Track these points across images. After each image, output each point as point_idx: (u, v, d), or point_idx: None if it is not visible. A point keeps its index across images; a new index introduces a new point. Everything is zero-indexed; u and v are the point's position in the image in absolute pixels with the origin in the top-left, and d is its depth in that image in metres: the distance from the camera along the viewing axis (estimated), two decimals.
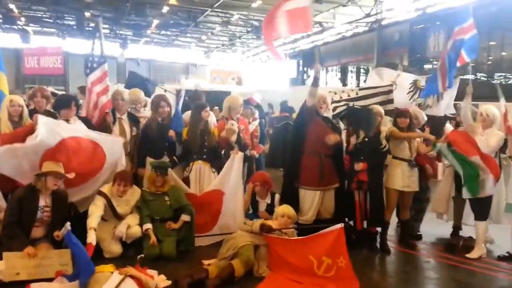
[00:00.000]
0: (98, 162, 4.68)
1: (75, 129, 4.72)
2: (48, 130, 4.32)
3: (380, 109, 5.13)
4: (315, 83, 4.97)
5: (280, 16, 4.80)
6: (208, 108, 5.31)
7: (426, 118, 5.49)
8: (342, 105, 5.76)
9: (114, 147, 4.80)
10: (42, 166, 4.13)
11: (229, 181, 5.07)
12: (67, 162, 4.28)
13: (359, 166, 4.83)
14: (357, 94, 6.01)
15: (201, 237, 4.92)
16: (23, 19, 24.46)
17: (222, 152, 5.41)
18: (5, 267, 3.72)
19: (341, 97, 6.03)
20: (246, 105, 6.51)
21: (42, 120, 4.34)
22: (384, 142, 4.92)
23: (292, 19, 4.77)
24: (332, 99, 5.82)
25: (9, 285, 3.69)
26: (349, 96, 6.02)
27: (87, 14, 22.51)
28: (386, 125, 5.15)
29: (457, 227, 5.52)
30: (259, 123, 6.77)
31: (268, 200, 4.91)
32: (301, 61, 27.89)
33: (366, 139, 4.92)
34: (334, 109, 5.74)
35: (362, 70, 22.63)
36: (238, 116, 5.79)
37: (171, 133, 5.22)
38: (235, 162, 5.08)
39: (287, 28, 4.82)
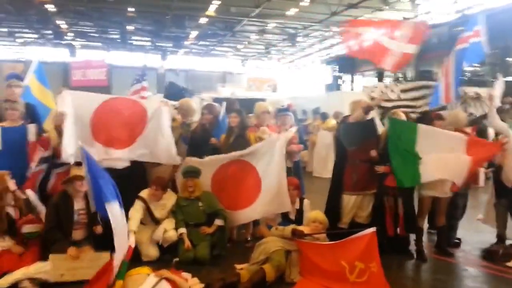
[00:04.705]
0: (140, 119, 4.98)
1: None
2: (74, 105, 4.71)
3: (396, 114, 5.09)
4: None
5: (392, 50, 5.20)
6: (235, 114, 5.49)
7: None
8: (391, 106, 5.77)
9: (152, 103, 5.18)
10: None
11: (269, 162, 4.95)
12: (112, 122, 4.82)
13: (380, 168, 4.85)
14: (401, 92, 5.96)
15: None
16: (70, 34, 25.80)
17: None
18: (51, 268, 3.98)
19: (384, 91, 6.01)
20: (285, 111, 6.48)
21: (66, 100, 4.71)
22: None
23: (398, 59, 5.22)
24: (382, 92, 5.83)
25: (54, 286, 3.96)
26: (392, 91, 5.96)
27: (130, 28, 23.48)
28: None
29: (501, 236, 5.26)
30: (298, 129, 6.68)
31: (297, 206, 4.96)
32: (336, 67, 27.62)
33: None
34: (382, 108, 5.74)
35: (399, 75, 22.09)
36: (268, 122, 5.92)
37: (213, 140, 5.51)
38: (277, 144, 4.93)
39: (391, 66, 5.32)
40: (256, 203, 4.99)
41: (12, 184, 4.27)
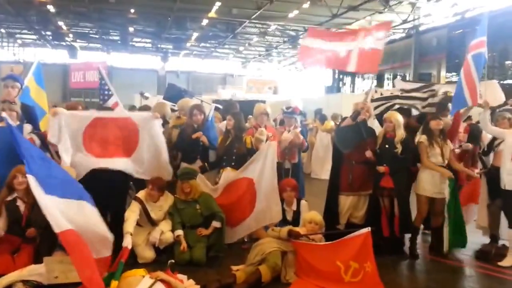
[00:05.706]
0: (133, 133, 4.91)
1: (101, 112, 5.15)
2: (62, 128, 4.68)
3: (391, 115, 5.10)
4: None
5: (353, 51, 5.09)
6: (230, 117, 5.51)
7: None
8: (382, 104, 5.80)
9: (144, 117, 5.07)
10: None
11: (262, 170, 4.95)
12: (105, 138, 4.79)
13: (380, 169, 4.89)
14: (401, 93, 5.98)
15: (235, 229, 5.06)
16: (71, 35, 25.85)
17: None
18: (45, 271, 3.95)
19: (382, 94, 6.04)
20: (291, 114, 6.51)
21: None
22: (398, 146, 4.93)
23: (362, 58, 5.07)
24: (373, 97, 5.85)
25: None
26: (392, 94, 6.00)
27: (131, 29, 23.51)
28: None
29: (494, 236, 5.32)
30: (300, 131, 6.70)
31: (294, 207, 4.98)
32: (336, 69, 27.60)
33: (387, 146, 4.95)
34: (375, 108, 5.75)
35: (398, 77, 22.16)
36: (266, 123, 5.95)
37: (203, 138, 5.44)
38: (269, 151, 4.96)
39: (356, 66, 5.19)
40: (251, 216, 4.98)
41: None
